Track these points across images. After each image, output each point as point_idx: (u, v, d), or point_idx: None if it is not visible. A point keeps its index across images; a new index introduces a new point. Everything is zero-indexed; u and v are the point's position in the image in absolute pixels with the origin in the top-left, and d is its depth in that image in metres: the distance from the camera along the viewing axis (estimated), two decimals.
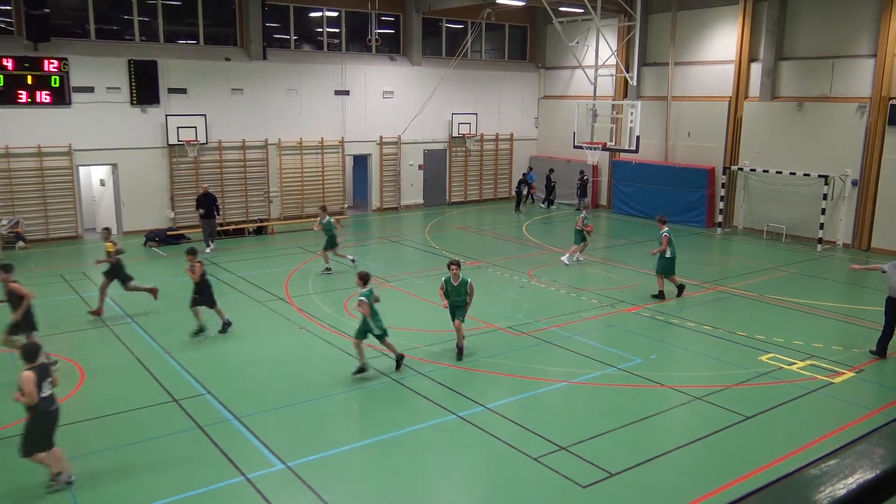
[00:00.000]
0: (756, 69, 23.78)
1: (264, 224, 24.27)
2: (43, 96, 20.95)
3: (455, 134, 29.10)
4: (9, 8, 21.12)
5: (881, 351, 12.19)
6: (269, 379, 11.17)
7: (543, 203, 29.43)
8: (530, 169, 29.96)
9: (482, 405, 10.12)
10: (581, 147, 22.54)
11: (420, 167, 28.82)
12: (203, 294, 12.95)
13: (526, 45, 31.83)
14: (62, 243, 21.39)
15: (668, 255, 15.37)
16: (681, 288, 15.79)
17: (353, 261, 18.38)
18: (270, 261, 19.98)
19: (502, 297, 15.91)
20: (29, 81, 20.73)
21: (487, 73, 30.13)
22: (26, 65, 20.66)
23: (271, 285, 16.67)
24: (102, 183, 23.25)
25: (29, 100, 20.77)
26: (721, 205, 24.40)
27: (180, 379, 11.07)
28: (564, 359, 12.18)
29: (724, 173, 24.51)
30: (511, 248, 21.38)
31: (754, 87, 23.89)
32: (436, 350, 12.33)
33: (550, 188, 29.18)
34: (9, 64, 20.38)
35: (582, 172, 27.90)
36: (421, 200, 29.06)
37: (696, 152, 25.57)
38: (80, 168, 22.25)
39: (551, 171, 29.36)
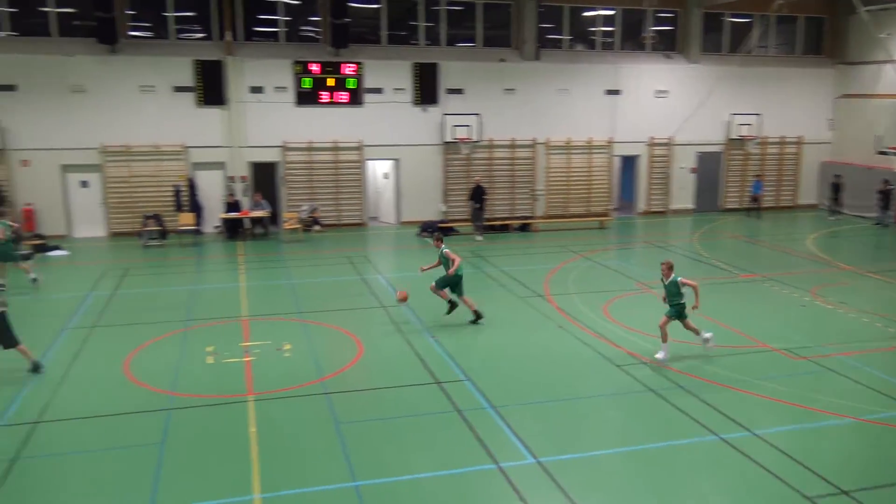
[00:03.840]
0: None
1: (529, 221, 24.74)
2: (341, 97, 23.44)
3: (733, 136, 27.18)
4: (318, 18, 23.91)
5: None
6: (526, 373, 11.32)
7: (832, 215, 26.35)
8: (757, 177, 27.19)
9: (749, 430, 9.29)
10: (886, 153, 19.76)
11: (692, 170, 27.37)
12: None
13: (821, 38, 28.68)
14: (351, 229, 23.74)
15: (460, 272, 13.55)
16: (452, 305, 13.81)
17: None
18: (533, 258, 20.30)
19: (779, 315, 14.52)
20: (330, 84, 23.30)
21: (774, 69, 27.66)
22: (329, 69, 23.24)
23: (532, 282, 16.91)
24: (386, 176, 25.38)
25: (329, 100, 23.36)
26: None
27: (444, 363, 11.65)
28: (851, 391, 10.74)
29: None
30: (792, 262, 19.43)
31: None
32: (700, 365, 11.60)
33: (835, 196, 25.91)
34: (316, 68, 23.08)
35: (886, 182, 24.48)
36: (691, 205, 27.61)
37: None
38: (368, 162, 24.51)
39: (837, 176, 26.11)
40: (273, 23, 23.77)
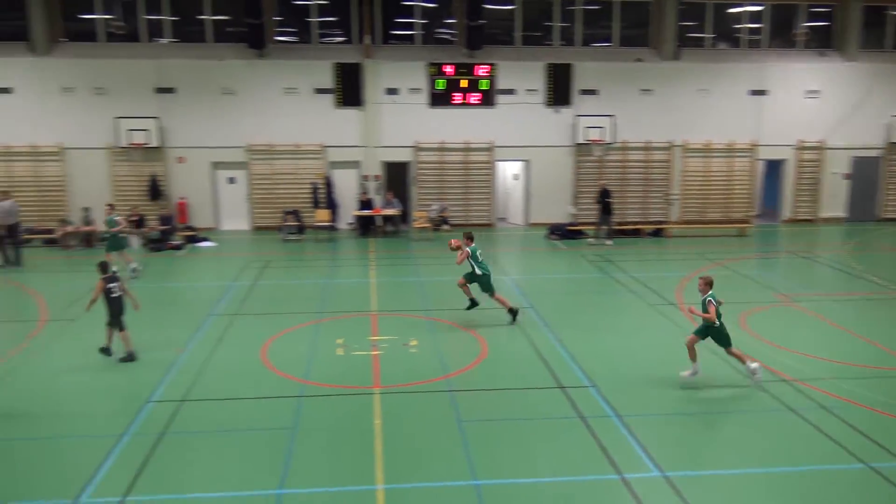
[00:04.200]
0: None
1: (662, 226, 23.91)
2: (473, 98, 23.63)
3: (895, 139, 25.05)
4: (453, 21, 24.23)
5: None
6: (654, 383, 10.91)
7: None
8: None
9: None
10: None
11: (846, 176, 25.46)
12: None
13: None
14: (478, 229, 23.80)
15: (477, 272, 13.67)
16: (473, 302, 13.91)
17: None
18: (665, 264, 19.61)
19: None
20: (463, 85, 23.55)
21: None
22: (462, 70, 23.50)
23: (663, 289, 16.31)
24: (515, 177, 25.34)
25: (462, 101, 23.61)
26: None
27: (568, 368, 11.45)
28: None
29: None
30: None
31: None
32: (847, 385, 10.74)
33: None
34: (450, 70, 23.40)
35: None
36: (843, 214, 25.70)
37: None
38: (498, 163, 24.55)
39: None
40: (409, 26, 24.34)
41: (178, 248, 21.08)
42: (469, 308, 13.93)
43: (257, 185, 23.72)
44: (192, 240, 21.89)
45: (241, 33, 23.21)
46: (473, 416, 9.64)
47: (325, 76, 23.24)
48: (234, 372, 11.33)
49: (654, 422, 9.55)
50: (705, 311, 10.58)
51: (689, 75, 24.34)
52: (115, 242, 17.43)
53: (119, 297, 11.66)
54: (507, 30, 24.68)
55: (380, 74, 23.38)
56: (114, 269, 12.03)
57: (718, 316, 10.55)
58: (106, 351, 11.74)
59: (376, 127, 23.65)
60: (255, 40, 22.76)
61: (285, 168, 23.66)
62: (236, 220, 23.99)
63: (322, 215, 23.17)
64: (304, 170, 23.67)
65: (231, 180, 23.83)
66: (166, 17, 23.46)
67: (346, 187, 24.02)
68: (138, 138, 22.55)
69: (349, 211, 23.92)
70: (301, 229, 22.88)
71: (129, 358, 11.66)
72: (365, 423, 9.45)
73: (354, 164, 23.96)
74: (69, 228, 21.54)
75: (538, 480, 8.05)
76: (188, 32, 23.80)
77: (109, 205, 19.33)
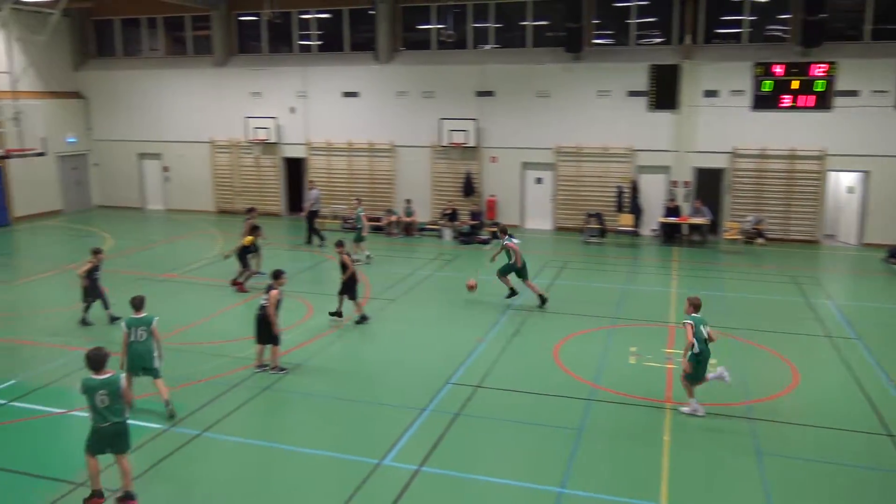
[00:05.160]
0: None
1: None
2: (805, 101, 21.33)
3: None
4: (787, 16, 22.08)
5: None
6: None
7: None
8: None
9: None
10: None
11: None
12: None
13: None
14: (799, 246, 21.58)
15: (511, 261, 14.97)
16: (513, 291, 15.21)
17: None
18: None
19: None
20: (794, 86, 21.37)
21: None
22: (794, 70, 21.33)
23: None
24: (850, 190, 22.39)
25: (791, 104, 21.45)
26: None
27: None
28: None
29: None
30: None
31: None
32: None
33: None
34: (779, 70, 21.41)
35: None
36: None
37: None
38: (830, 173, 21.92)
39: None
40: (736, 23, 22.74)
41: (485, 242, 22.27)
42: (509, 297, 15.22)
43: (563, 186, 24.08)
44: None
45: (559, 38, 23.72)
46: (776, 451, 8.73)
47: (640, 78, 22.72)
48: (527, 366, 11.64)
49: None
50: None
51: None
52: (358, 234, 19.41)
53: (354, 272, 13.86)
54: (854, 23, 21.81)
55: (698, 76, 22.21)
56: (355, 256, 15.70)
57: (702, 341, 9.45)
58: (337, 314, 13.90)
59: (691, 131, 22.54)
60: (572, 44, 23.07)
61: (592, 170, 23.66)
62: (540, 219, 24.63)
63: (625, 220, 22.76)
64: (611, 173, 23.43)
65: (538, 180, 24.51)
66: (491, 25, 24.88)
67: (653, 192, 23.28)
68: (458, 138, 24.25)
69: (654, 217, 23.15)
70: (603, 232, 22.72)
71: (362, 320, 13.80)
72: (653, 436, 9.08)
73: (663, 170, 23.11)
74: (393, 218, 23.94)
75: None
76: (509, 38, 24.96)
77: (357, 199, 21.23)
